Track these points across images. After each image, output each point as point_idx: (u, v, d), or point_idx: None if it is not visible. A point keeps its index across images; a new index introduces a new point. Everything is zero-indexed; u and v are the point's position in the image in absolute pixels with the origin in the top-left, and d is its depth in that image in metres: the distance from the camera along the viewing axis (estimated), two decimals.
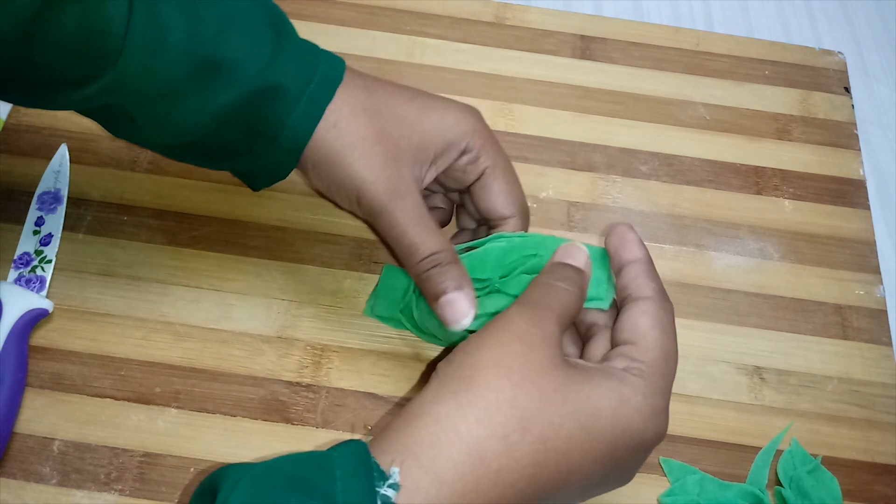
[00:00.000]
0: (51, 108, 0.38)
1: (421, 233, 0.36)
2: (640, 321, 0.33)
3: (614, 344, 0.34)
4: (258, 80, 0.36)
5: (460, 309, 0.36)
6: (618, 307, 0.36)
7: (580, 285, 0.34)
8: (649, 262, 0.35)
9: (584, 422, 0.30)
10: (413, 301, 0.41)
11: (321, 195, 0.47)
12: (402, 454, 0.28)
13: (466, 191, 0.41)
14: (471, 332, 0.35)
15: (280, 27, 0.38)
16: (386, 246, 0.46)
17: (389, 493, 0.27)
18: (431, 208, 0.43)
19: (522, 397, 0.29)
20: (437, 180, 0.41)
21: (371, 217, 0.38)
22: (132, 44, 0.33)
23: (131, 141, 0.41)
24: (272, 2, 0.39)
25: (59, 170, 0.47)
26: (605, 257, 0.37)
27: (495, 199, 0.40)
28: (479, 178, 0.40)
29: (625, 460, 0.32)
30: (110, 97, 0.36)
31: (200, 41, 0.35)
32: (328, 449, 0.30)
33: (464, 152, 0.40)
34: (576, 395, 0.30)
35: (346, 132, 0.37)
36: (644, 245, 0.36)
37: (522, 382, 0.29)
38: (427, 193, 0.43)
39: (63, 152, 0.47)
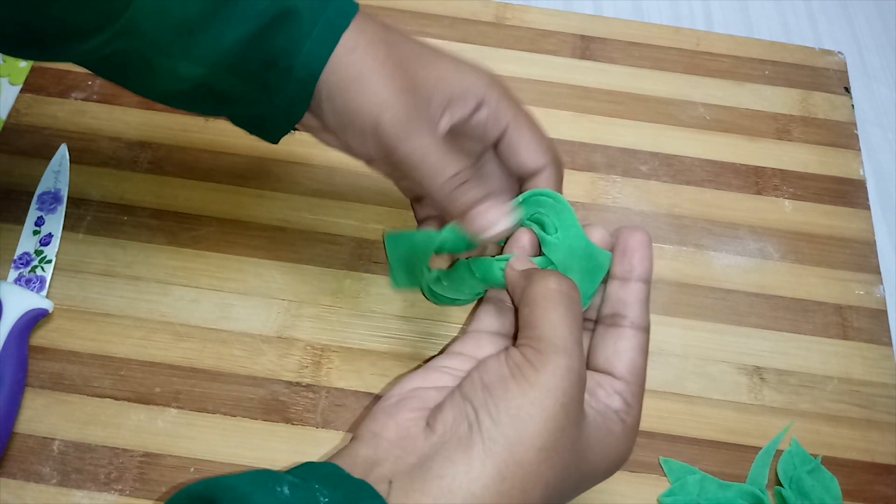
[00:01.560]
0: (64, 60, 0.36)
1: (444, 155, 0.35)
2: (639, 359, 0.34)
3: (604, 365, 0.33)
4: (273, 7, 0.34)
5: (489, 218, 0.35)
6: (598, 315, 0.35)
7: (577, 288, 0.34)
8: (650, 286, 0.35)
9: (583, 483, 0.32)
10: (427, 277, 0.38)
11: (331, 145, 0.40)
12: None
13: (494, 151, 0.39)
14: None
15: None
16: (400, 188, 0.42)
17: None
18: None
19: (552, 478, 0.29)
20: (458, 142, 0.38)
21: (389, 146, 0.35)
22: None
23: (144, 93, 0.38)
24: None
25: (58, 170, 0.47)
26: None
27: (524, 152, 0.38)
28: (503, 135, 0.38)
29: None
30: (125, 41, 0.34)
31: None
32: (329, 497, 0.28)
33: (481, 105, 0.37)
34: (586, 465, 0.31)
35: (364, 57, 0.35)
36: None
37: (558, 465, 0.29)
38: None
39: (63, 152, 0.47)
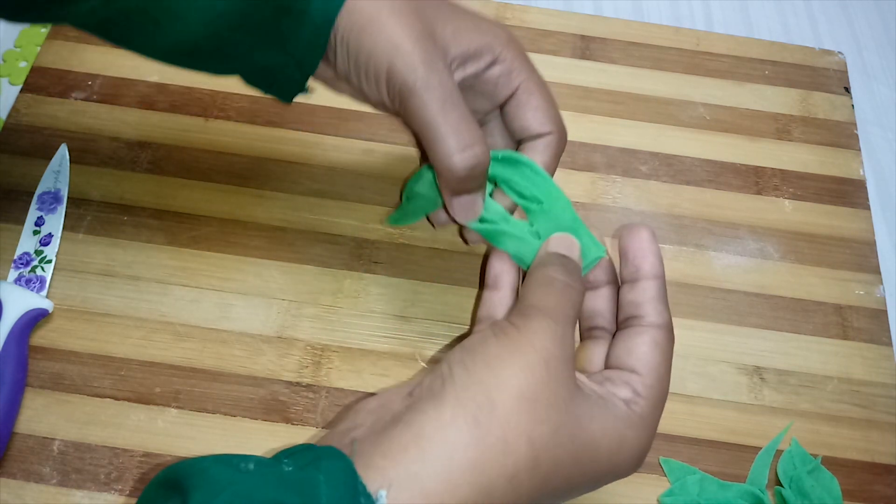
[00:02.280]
0: (66, 22, 0.35)
1: (463, 118, 0.33)
2: (652, 353, 0.32)
3: (615, 363, 0.33)
4: None
5: (472, 207, 0.36)
6: (617, 321, 0.35)
7: (581, 282, 0.33)
8: (664, 280, 0.34)
9: (583, 462, 0.30)
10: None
11: (345, 93, 0.39)
12: (404, 479, 0.26)
13: (500, 110, 0.38)
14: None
15: None
16: (415, 138, 0.39)
17: None
18: None
19: (539, 435, 0.28)
20: (467, 97, 0.36)
21: (402, 94, 0.33)
22: None
23: (150, 51, 0.37)
24: None
25: (58, 170, 0.47)
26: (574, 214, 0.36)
27: (532, 115, 0.37)
28: (512, 95, 0.37)
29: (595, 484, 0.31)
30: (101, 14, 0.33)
31: None
32: (312, 464, 0.27)
33: (495, 62, 0.36)
34: (583, 435, 0.29)
35: (381, 1, 0.33)
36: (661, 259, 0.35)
37: (543, 419, 0.28)
38: None
39: (63, 152, 0.47)
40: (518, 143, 0.39)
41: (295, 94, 0.38)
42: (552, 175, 0.37)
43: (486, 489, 0.27)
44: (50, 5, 0.34)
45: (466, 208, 0.35)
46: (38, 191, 0.46)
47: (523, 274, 0.36)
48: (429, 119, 0.33)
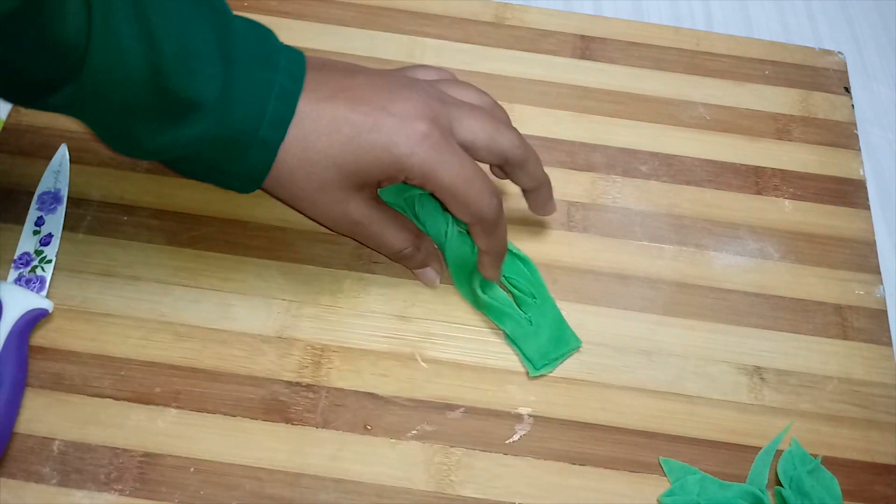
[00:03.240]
0: (37, 108, 0.38)
1: (388, 237, 0.42)
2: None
3: None
4: (212, 127, 0.37)
5: (426, 277, 0.45)
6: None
7: None
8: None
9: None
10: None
11: None
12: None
13: None
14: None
15: (229, 52, 0.37)
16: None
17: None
18: None
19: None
20: None
21: (348, 233, 0.43)
22: (91, 59, 0.34)
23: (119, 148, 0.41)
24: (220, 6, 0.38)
25: (59, 170, 0.47)
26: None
27: (450, 210, 0.41)
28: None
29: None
30: (75, 110, 0.37)
31: (160, 75, 0.35)
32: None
33: (409, 179, 0.39)
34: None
35: (296, 179, 0.39)
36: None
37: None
38: None
39: (63, 152, 0.47)
40: None
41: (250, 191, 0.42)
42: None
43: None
44: (27, 94, 0.37)
45: (422, 276, 0.46)
46: (38, 191, 0.46)
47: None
48: (373, 243, 0.43)
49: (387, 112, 0.38)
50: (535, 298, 0.45)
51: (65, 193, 0.46)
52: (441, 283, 0.46)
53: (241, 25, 0.39)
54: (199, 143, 0.38)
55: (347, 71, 0.41)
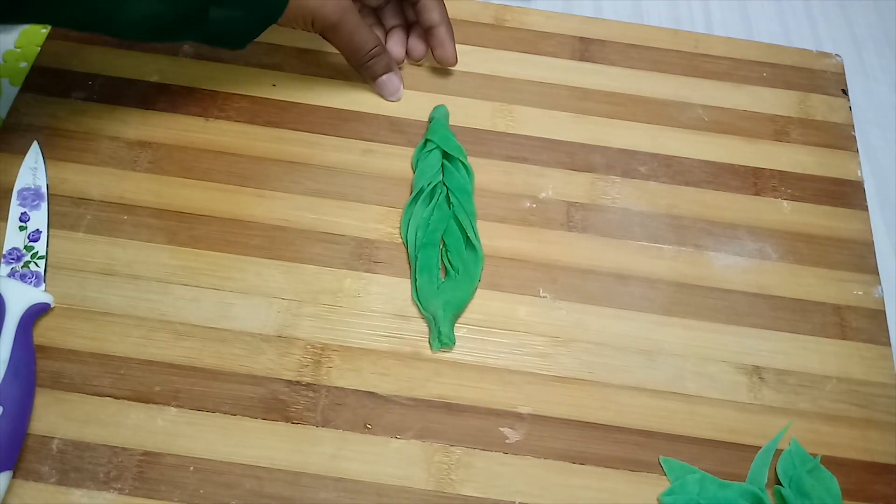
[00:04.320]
0: (42, 21, 0.43)
1: (362, 37, 0.49)
2: None
3: None
4: None
5: (392, 85, 0.52)
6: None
7: None
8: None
9: None
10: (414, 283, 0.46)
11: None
12: None
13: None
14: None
15: None
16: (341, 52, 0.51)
17: None
18: (390, 28, 0.54)
19: None
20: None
21: (325, 32, 0.49)
22: None
23: (116, 29, 0.43)
24: None
25: (35, 166, 0.47)
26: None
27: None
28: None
29: None
30: None
31: None
32: None
33: None
34: None
35: None
36: None
37: None
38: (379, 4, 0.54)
39: (35, 148, 0.47)
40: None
41: (248, 42, 0.48)
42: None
43: None
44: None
45: (387, 84, 0.52)
46: (17, 187, 0.46)
47: None
48: (345, 43, 0.50)
49: None
50: (458, 273, 0.45)
51: (45, 189, 0.46)
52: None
53: None
54: None
55: None
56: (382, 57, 0.50)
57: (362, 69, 0.51)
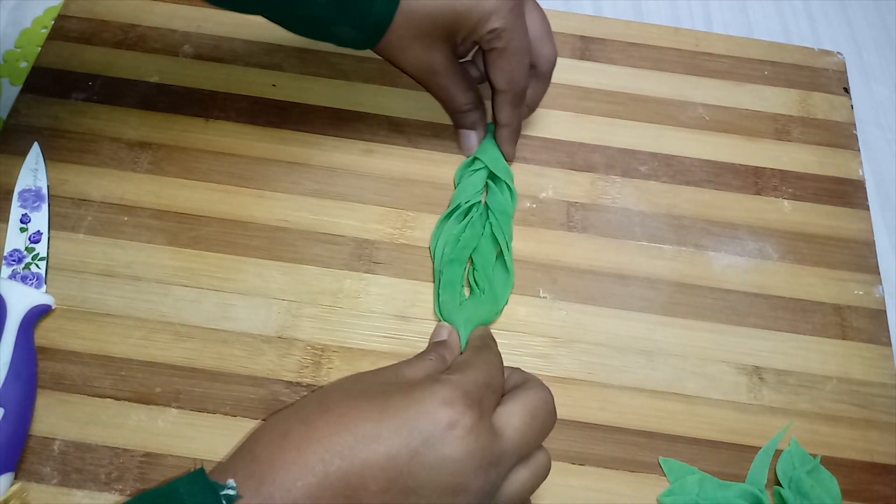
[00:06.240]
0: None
1: (460, 91, 0.48)
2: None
3: None
4: None
5: (470, 141, 0.50)
6: None
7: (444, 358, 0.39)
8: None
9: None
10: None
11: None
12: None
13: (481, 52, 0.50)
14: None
15: None
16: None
17: (231, 492, 0.30)
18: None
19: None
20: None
21: (425, 80, 0.48)
22: None
23: (273, 15, 0.45)
24: None
25: (36, 167, 0.47)
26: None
27: (493, 74, 0.47)
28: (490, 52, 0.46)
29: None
30: None
31: None
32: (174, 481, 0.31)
33: (484, 32, 0.45)
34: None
35: (396, 27, 0.44)
36: None
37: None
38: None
39: (36, 150, 0.47)
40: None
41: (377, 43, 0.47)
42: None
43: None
44: None
45: (468, 138, 0.50)
46: (18, 188, 0.46)
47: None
48: (443, 94, 0.49)
49: None
50: (484, 294, 0.45)
51: (46, 191, 0.46)
52: None
53: None
54: None
55: None
56: (471, 114, 0.50)
57: (456, 115, 0.50)
